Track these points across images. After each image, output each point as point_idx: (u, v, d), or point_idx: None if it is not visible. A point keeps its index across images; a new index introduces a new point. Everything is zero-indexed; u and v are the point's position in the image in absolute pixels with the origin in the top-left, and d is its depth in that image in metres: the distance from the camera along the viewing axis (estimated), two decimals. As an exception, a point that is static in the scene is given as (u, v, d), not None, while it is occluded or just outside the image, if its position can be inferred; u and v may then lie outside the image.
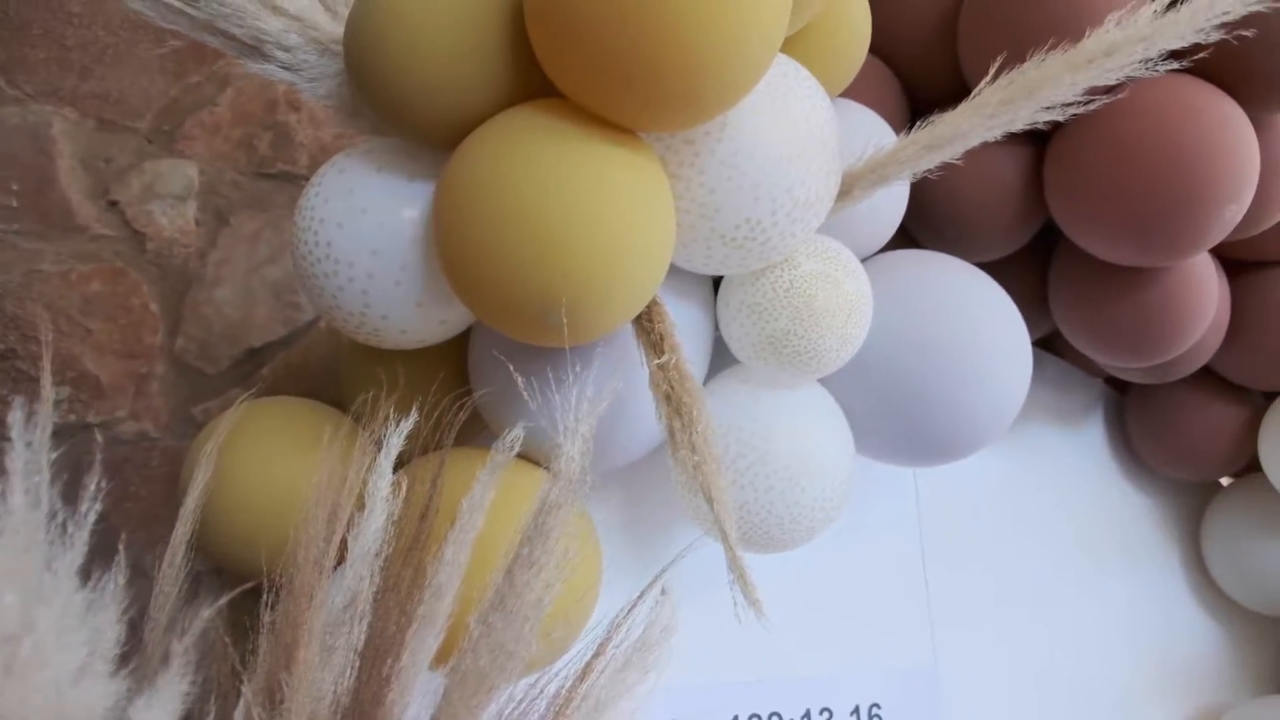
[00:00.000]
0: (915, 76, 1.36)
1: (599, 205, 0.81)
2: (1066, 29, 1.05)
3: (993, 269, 1.37)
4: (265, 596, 0.83)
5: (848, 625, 1.40)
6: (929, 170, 1.01)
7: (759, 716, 1.32)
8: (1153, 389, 1.62)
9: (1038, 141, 1.28)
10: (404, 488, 0.83)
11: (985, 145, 1.19)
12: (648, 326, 0.94)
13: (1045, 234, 1.36)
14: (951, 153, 0.96)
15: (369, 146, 0.97)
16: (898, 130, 1.31)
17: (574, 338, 0.87)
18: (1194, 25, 0.87)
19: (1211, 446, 1.60)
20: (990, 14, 1.19)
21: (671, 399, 0.87)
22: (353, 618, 0.75)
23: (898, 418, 1.16)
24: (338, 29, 0.99)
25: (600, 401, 0.79)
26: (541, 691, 0.82)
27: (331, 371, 1.47)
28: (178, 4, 0.95)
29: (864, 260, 1.21)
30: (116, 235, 1.46)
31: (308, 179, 1.59)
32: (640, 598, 0.84)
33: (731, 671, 1.31)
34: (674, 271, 1.06)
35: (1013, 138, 1.26)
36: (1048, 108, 0.90)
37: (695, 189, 0.93)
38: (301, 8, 0.99)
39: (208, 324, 1.47)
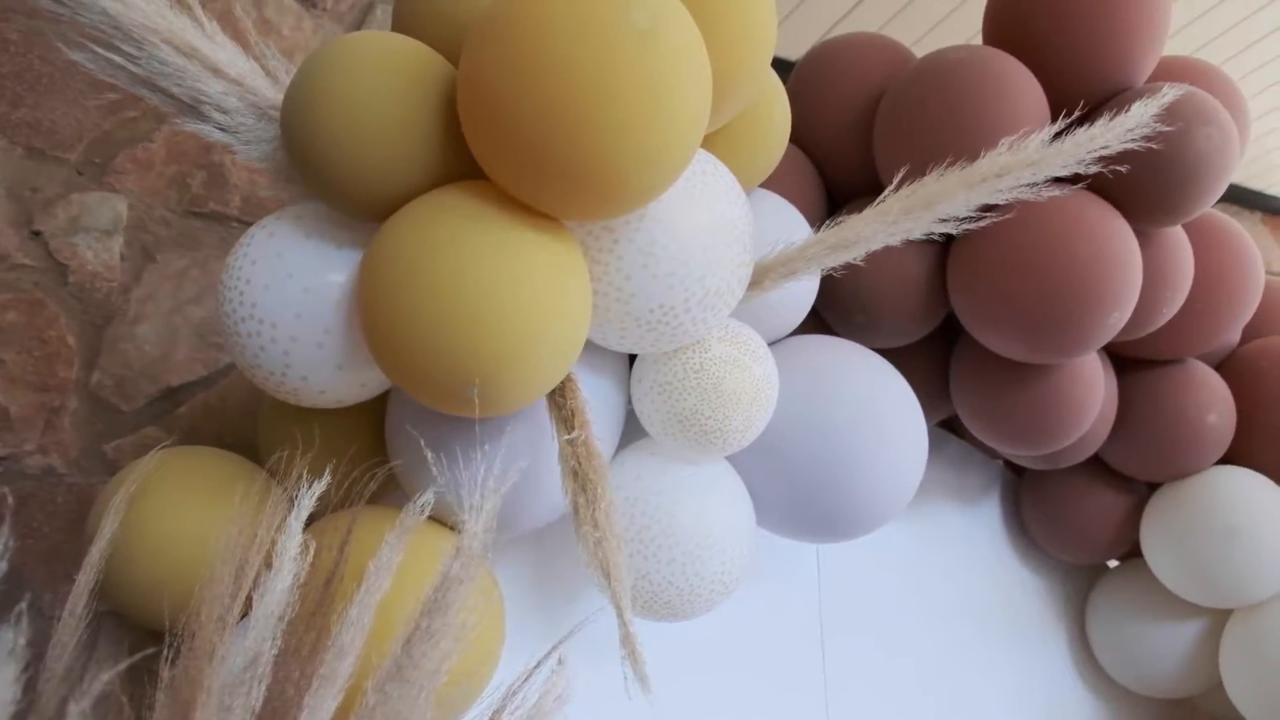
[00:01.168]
0: (835, 170, 1.43)
1: (516, 288, 0.85)
2: (966, 147, 1.12)
3: (899, 354, 1.44)
4: (165, 651, 0.83)
5: (744, 691, 1.44)
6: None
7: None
8: (1046, 474, 1.71)
9: (944, 241, 1.35)
10: (312, 550, 0.85)
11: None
12: (560, 402, 0.98)
13: (949, 324, 1.43)
14: (855, 254, 1.02)
15: (299, 211, 1.00)
16: (817, 218, 1.38)
17: (487, 410, 0.90)
18: (1076, 155, 0.95)
19: (1098, 531, 1.68)
20: (900, 125, 1.27)
21: (578, 474, 0.91)
22: (252, 679, 0.77)
23: (799, 496, 1.21)
24: (277, 95, 1.02)
25: (505, 479, 0.82)
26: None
27: (250, 414, 1.48)
28: (119, 59, 0.97)
29: (774, 343, 1.27)
30: (37, 266, 1.45)
31: (239, 221, 1.60)
32: (537, 666, 0.86)
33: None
34: (591, 348, 1.10)
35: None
36: (944, 219, 0.96)
37: (613, 274, 0.98)
38: (243, 72, 1.02)
39: (126, 360, 1.47)
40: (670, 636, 1.40)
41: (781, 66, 1.88)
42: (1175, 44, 2.62)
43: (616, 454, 1.18)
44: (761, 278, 1.08)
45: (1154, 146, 1.13)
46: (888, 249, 1.31)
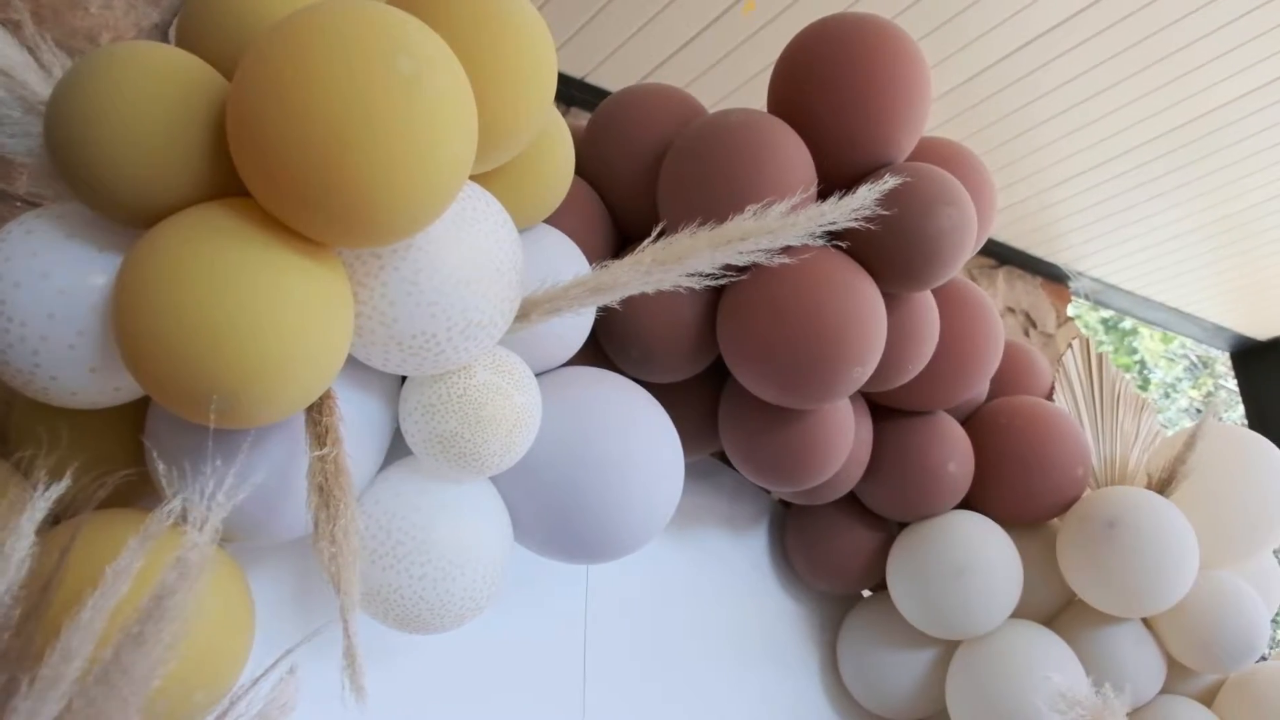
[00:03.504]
0: (626, 212, 1.51)
1: (269, 307, 0.88)
2: (735, 205, 1.21)
3: (676, 390, 1.53)
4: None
5: (503, 701, 1.49)
6: (623, 299, 1.15)
7: (403, 790, 1.37)
8: (808, 509, 1.83)
9: (717, 288, 1.44)
10: (34, 553, 0.85)
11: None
12: (316, 418, 1.01)
13: (721, 365, 1.53)
14: (613, 297, 1.10)
15: (62, 210, 1.00)
16: (609, 255, 1.46)
17: (237, 422, 0.93)
18: (808, 228, 1.05)
19: (851, 564, 1.82)
20: (678, 178, 1.37)
21: (324, 490, 0.94)
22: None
23: (557, 519, 1.27)
24: (48, 90, 1.01)
25: (238, 492, 0.85)
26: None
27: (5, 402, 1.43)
28: (-122, 40, 0.95)
29: (546, 372, 1.33)
30: None
31: (26, 202, 1.55)
32: (264, 674, 0.89)
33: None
34: (361, 367, 1.13)
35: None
36: (692, 274, 1.05)
37: (377, 299, 1.02)
38: (13, 64, 1.01)
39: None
40: (436, 645, 1.44)
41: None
42: (966, 121, 2.84)
43: (381, 470, 1.22)
44: (529, 311, 1.14)
45: (886, 221, 1.25)
46: (666, 294, 1.40)
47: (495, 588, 1.22)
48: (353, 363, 1.11)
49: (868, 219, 1.25)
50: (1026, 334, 3.52)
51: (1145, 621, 1.78)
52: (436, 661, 1.45)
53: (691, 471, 1.84)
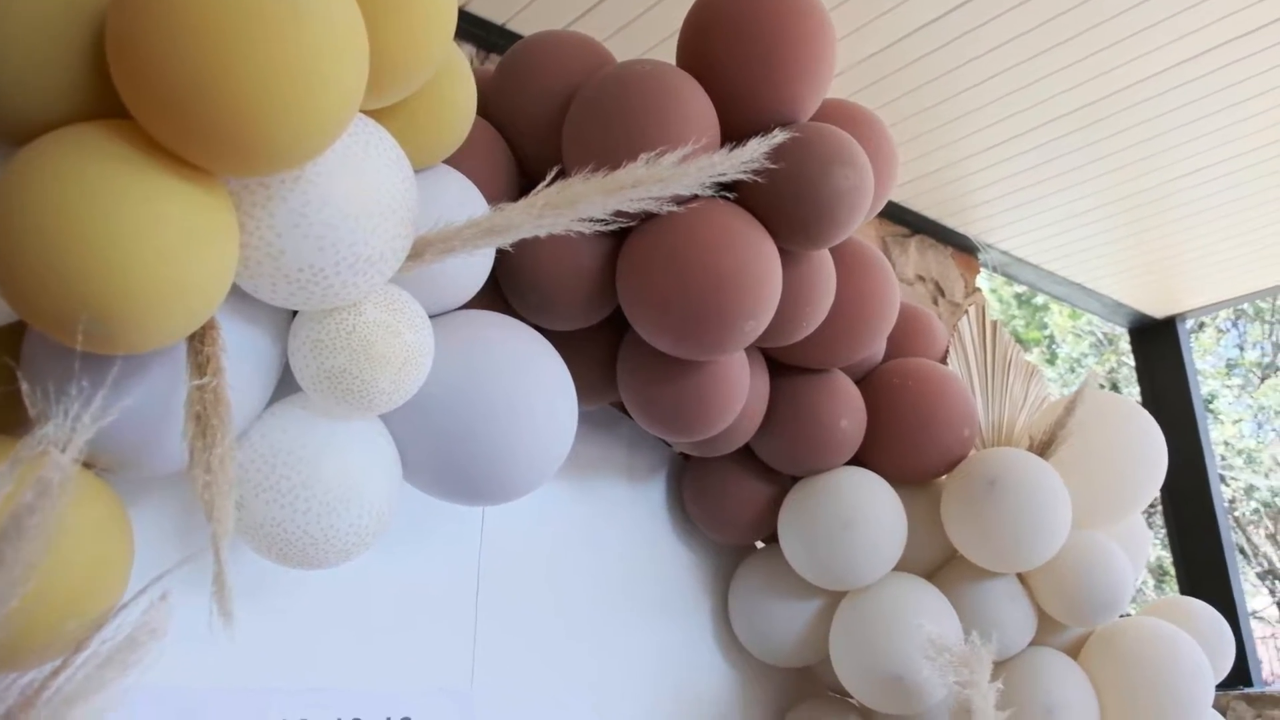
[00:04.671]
0: (530, 157, 1.51)
1: (146, 230, 0.87)
2: (635, 154, 1.21)
3: (576, 337, 1.55)
4: None
5: (391, 642, 1.50)
6: (522, 242, 1.15)
7: (287, 723, 1.38)
8: (706, 460, 1.87)
9: (618, 236, 1.46)
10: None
11: (573, 234, 1.36)
12: (198, 348, 1.00)
13: (621, 314, 1.55)
14: (507, 240, 1.10)
15: (-66, 124, 0.96)
16: (510, 198, 1.45)
17: (112, 347, 0.91)
18: (699, 178, 1.07)
19: (744, 515, 1.86)
20: (581, 124, 1.37)
21: (201, 419, 0.94)
22: None
23: (448, 460, 1.28)
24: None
25: (103, 416, 0.84)
26: (13, 683, 0.85)
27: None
28: None
29: (443, 314, 1.33)
30: None
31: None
32: (133, 599, 0.89)
33: (263, 677, 1.37)
34: (249, 299, 1.12)
35: (600, 231, 1.45)
36: (584, 220, 1.06)
37: (264, 230, 1.01)
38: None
39: None
40: (324, 584, 1.45)
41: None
42: (884, 88, 2.88)
43: (270, 405, 1.21)
44: (422, 250, 1.14)
45: (784, 180, 1.29)
46: (565, 240, 1.40)
47: (382, 525, 1.23)
48: (240, 295, 1.11)
49: (762, 174, 1.27)
50: (935, 302, 3.62)
51: (1019, 577, 1.86)
52: (323, 600, 1.45)
53: (591, 421, 1.86)
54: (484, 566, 1.64)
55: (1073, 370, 10.91)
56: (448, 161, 1.33)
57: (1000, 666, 1.82)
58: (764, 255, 1.39)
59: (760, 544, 2.03)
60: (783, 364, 1.75)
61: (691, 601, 1.96)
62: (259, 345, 1.15)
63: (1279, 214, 3.69)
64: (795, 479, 1.87)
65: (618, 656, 1.81)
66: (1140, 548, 2.02)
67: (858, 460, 1.85)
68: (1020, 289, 11.34)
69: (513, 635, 1.66)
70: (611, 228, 1.10)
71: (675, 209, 1.37)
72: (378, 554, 1.50)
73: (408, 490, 1.37)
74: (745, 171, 1.11)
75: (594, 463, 1.85)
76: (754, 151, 1.10)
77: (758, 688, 2.01)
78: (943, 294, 3.63)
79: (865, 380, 1.88)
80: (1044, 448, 1.86)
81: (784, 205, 1.40)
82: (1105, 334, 11.14)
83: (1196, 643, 1.84)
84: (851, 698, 1.89)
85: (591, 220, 1.07)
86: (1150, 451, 1.91)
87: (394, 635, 1.51)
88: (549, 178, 1.10)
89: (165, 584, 0.93)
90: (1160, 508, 4.70)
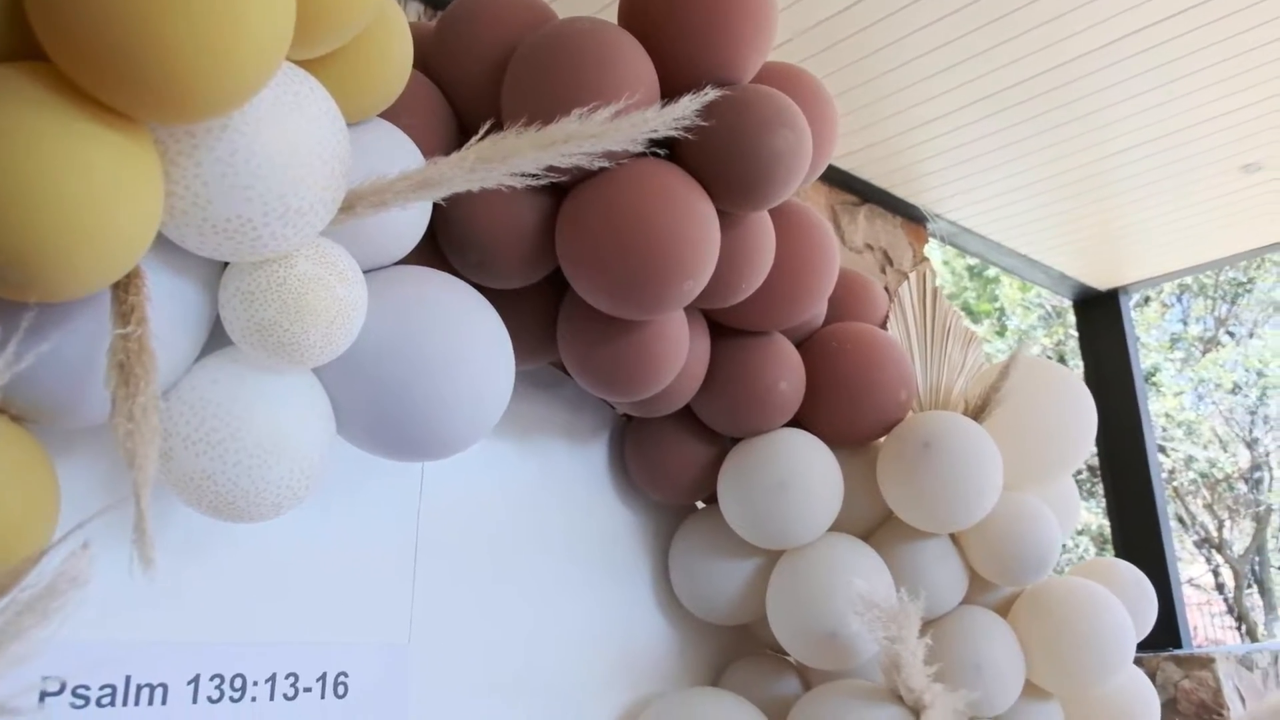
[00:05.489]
0: (471, 113, 1.50)
1: (64, 176, 0.85)
2: (558, 113, 1.21)
3: (518, 296, 1.55)
4: None
5: (328, 598, 1.50)
6: (460, 200, 1.15)
7: (222, 677, 1.38)
8: (647, 421, 1.88)
9: (558, 195, 1.46)
10: None
11: (511, 191, 1.36)
12: (122, 297, 0.99)
13: (562, 274, 1.55)
14: (439, 194, 1.10)
15: None
16: (450, 153, 1.45)
17: (31, 293, 0.90)
18: (630, 134, 1.07)
19: (684, 476, 1.88)
20: (520, 80, 1.37)
21: (124, 368, 0.93)
22: None
23: (383, 415, 1.28)
24: None
25: (17, 363, 0.83)
26: (-72, 629, 0.85)
27: None
28: None
29: (379, 269, 1.33)
30: None
31: None
32: (51, 547, 0.88)
33: (197, 631, 1.37)
34: (178, 250, 1.11)
35: (539, 189, 1.45)
36: (516, 174, 1.06)
37: (190, 178, 1.00)
38: None
39: None
40: (260, 538, 1.44)
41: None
42: (834, 55, 2.89)
43: (200, 358, 1.20)
44: (354, 204, 1.13)
45: (723, 141, 1.29)
46: (505, 197, 1.40)
47: (314, 479, 1.23)
48: (169, 245, 1.09)
49: (701, 135, 1.27)
50: (883, 271, 3.64)
51: (952, 538, 1.91)
52: (260, 556, 1.45)
53: (533, 381, 1.87)
54: (423, 524, 1.65)
55: (1021, 342, 11.08)
56: (385, 116, 1.32)
57: (932, 624, 1.87)
58: (702, 216, 1.40)
59: (700, 505, 2.06)
60: (723, 326, 1.77)
61: (632, 561, 1.98)
62: (188, 296, 1.14)
63: (1217, 190, 3.77)
64: (735, 440, 1.89)
65: (558, 615, 1.83)
66: (1070, 510, 2.08)
67: (797, 422, 1.87)
68: (973, 262, 11.48)
69: (451, 593, 1.67)
70: (546, 182, 1.10)
71: (614, 167, 1.38)
72: (315, 510, 1.51)
73: (346, 447, 1.37)
74: (678, 128, 1.11)
75: (536, 423, 1.86)
76: (686, 108, 1.11)
77: (696, 645, 2.04)
78: (891, 263, 3.67)
79: (805, 344, 1.90)
80: (978, 411, 1.90)
81: (722, 166, 1.41)
82: (1054, 307, 11.33)
83: (1120, 601, 1.89)
84: (788, 655, 1.93)
85: (525, 175, 1.07)
86: (1081, 416, 1.96)
87: (331, 591, 1.51)
88: (482, 131, 1.09)
89: (86, 532, 0.92)
90: (1100, 477, 4.80)
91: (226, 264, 1.19)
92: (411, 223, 1.32)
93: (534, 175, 1.07)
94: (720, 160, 1.40)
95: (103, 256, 0.91)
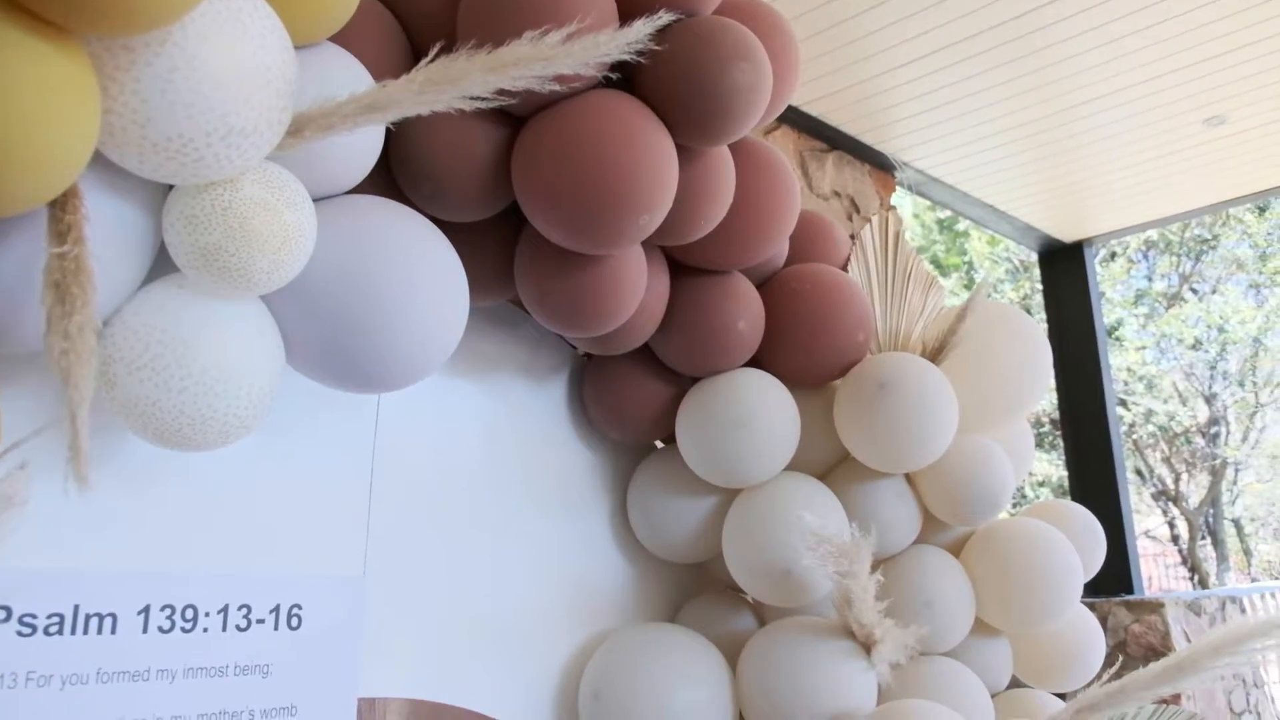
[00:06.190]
0: (425, 38, 1.47)
1: (-7, 88, 0.83)
2: (508, 33, 1.18)
3: (472, 230, 1.53)
4: None
5: (282, 529, 1.50)
6: (414, 130, 1.12)
7: (173, 607, 1.38)
8: (606, 360, 1.88)
9: (515, 125, 1.44)
10: None
11: (467, 119, 1.34)
12: (59, 215, 0.97)
13: (519, 207, 1.53)
14: (388, 117, 1.08)
15: None
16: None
17: (-37, 211, 0.88)
18: (583, 58, 1.06)
19: (642, 415, 1.89)
20: (471, 8, 1.34)
21: (60, 287, 0.92)
22: None
23: (334, 346, 1.27)
24: None
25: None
26: None
27: None
28: None
29: (330, 197, 1.30)
30: None
31: None
32: (-11, 468, 0.87)
33: (148, 561, 1.36)
34: (119, 171, 1.08)
35: (495, 120, 1.43)
36: (466, 97, 1.04)
37: (128, 95, 0.97)
38: None
39: None
40: (212, 468, 1.43)
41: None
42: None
43: (146, 284, 1.18)
44: (301, 127, 1.11)
45: (682, 73, 1.28)
46: (459, 127, 1.38)
47: (262, 409, 1.22)
48: (110, 167, 1.07)
49: (660, 67, 1.26)
50: (850, 218, 3.64)
51: (907, 478, 1.93)
52: (212, 487, 1.44)
53: (493, 319, 1.86)
54: (379, 459, 1.64)
55: (989, 297, 11.17)
56: (336, 41, 1.29)
57: (885, 563, 1.89)
58: (660, 149, 1.39)
59: (659, 444, 2.07)
60: (683, 264, 1.76)
61: (590, 499, 1.99)
62: (130, 220, 1.11)
63: (1180, 142, 3.79)
64: (694, 380, 1.90)
65: (516, 551, 1.83)
66: (1024, 453, 2.10)
67: (755, 362, 1.88)
68: (942, 215, 11.52)
69: (408, 528, 1.67)
70: (501, 110, 1.08)
71: (571, 99, 1.37)
72: (269, 441, 1.49)
73: (300, 379, 1.36)
74: (632, 53, 1.09)
75: (495, 360, 1.85)
76: (639, 32, 1.09)
77: (654, 583, 2.06)
78: (858, 210, 3.67)
79: (765, 284, 1.90)
80: (935, 353, 1.91)
81: (681, 99, 1.39)
82: (1021, 262, 11.41)
83: (1069, 541, 1.93)
84: (744, 592, 1.95)
85: (476, 99, 1.05)
86: (1036, 359, 1.98)
87: (285, 523, 1.51)
88: (432, 54, 1.07)
89: (28, 456, 0.91)
90: (1060, 429, 4.87)
91: (171, 187, 1.16)
92: (362, 150, 1.29)
93: (485, 99, 1.05)
94: (678, 93, 1.39)
95: (36, 173, 0.89)
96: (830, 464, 1.96)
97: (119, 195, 1.10)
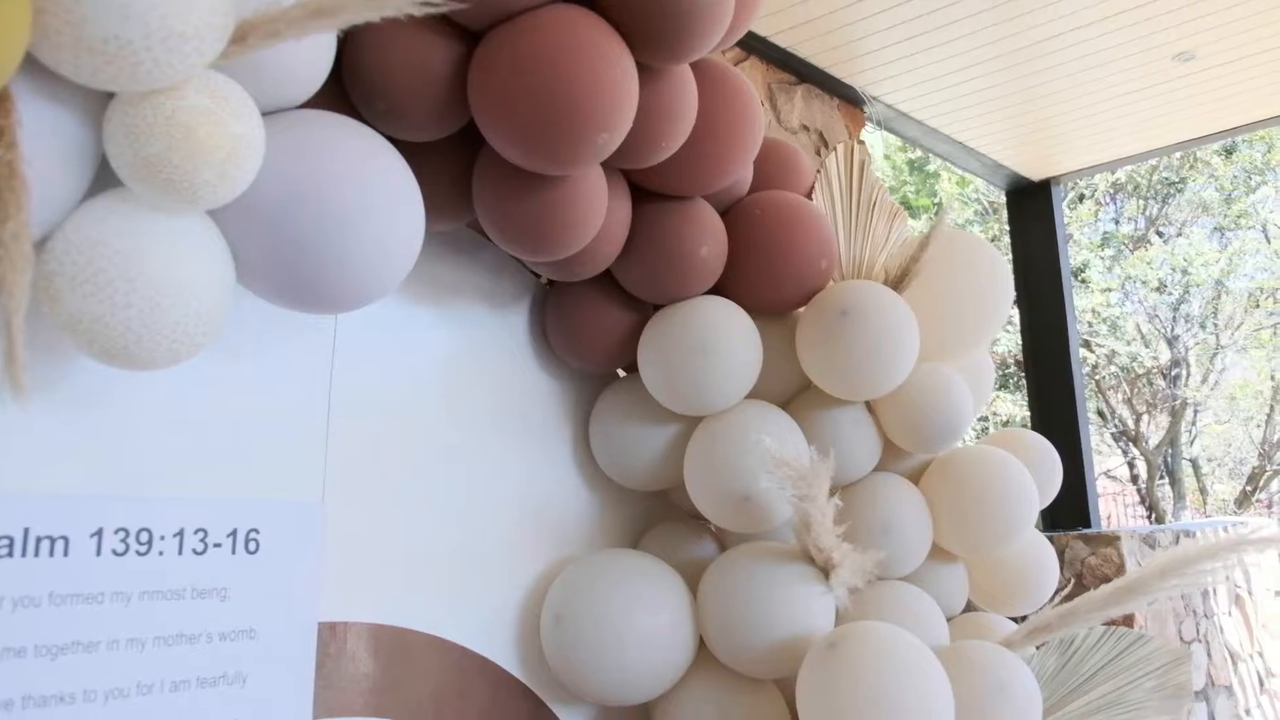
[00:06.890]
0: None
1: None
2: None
3: (430, 150, 1.50)
4: None
5: (238, 454, 1.48)
6: (369, 46, 1.08)
7: (127, 530, 1.36)
8: (567, 287, 1.87)
9: (472, 41, 1.40)
10: None
11: (422, 35, 1.30)
12: (-10, 119, 0.94)
13: (477, 128, 1.50)
14: (336, 24, 1.05)
15: None
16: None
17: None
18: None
19: (604, 342, 1.88)
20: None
21: (-7, 193, 0.89)
22: None
23: (285, 263, 1.24)
24: None
25: None
26: None
27: None
28: None
29: (280, 111, 1.27)
30: None
31: None
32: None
33: (100, 484, 1.34)
34: (56, 79, 1.05)
35: (451, 35, 1.39)
36: (421, 3, 1.01)
37: (61, -7, 0.94)
38: None
39: None
40: (165, 389, 1.41)
41: None
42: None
43: (89, 198, 1.15)
44: (246, 34, 1.07)
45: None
46: (413, 42, 1.35)
47: (211, 326, 1.19)
48: (47, 74, 1.03)
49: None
50: (818, 152, 3.62)
51: (867, 405, 1.94)
52: (167, 409, 1.42)
53: (453, 245, 1.83)
54: (337, 383, 1.63)
55: (941, 212, 11.20)
56: (284, -54, 1.25)
57: (845, 490, 1.91)
58: (619, 66, 1.36)
59: (621, 373, 2.06)
60: (645, 189, 1.74)
61: (552, 427, 1.98)
62: (68, 128, 1.08)
63: (1149, 78, 3.78)
64: (657, 307, 1.89)
65: (476, 478, 1.83)
66: (984, 383, 2.12)
67: (718, 290, 1.87)
68: (913, 156, 11.50)
69: (367, 453, 1.66)
70: (454, 21, 1.05)
71: (529, 13, 1.33)
72: (224, 362, 1.47)
73: (257, 301, 1.33)
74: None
75: (455, 287, 1.83)
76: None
77: (615, 511, 2.07)
78: (826, 145, 3.64)
79: (729, 211, 1.89)
80: (897, 281, 1.91)
81: (642, 15, 1.36)
82: (990, 203, 11.43)
83: (1025, 467, 1.95)
84: (705, 520, 1.97)
85: (428, 3, 1.02)
86: (997, 288, 1.99)
87: (242, 447, 1.49)
88: (381, -43, 1.04)
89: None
90: (1024, 368, 4.92)
91: (112, 97, 1.13)
92: (312, 61, 1.26)
93: (437, 4, 1.02)
94: (640, 9, 1.36)
95: (-37, 71, 0.86)
96: (792, 392, 1.97)
97: (56, 103, 1.06)
